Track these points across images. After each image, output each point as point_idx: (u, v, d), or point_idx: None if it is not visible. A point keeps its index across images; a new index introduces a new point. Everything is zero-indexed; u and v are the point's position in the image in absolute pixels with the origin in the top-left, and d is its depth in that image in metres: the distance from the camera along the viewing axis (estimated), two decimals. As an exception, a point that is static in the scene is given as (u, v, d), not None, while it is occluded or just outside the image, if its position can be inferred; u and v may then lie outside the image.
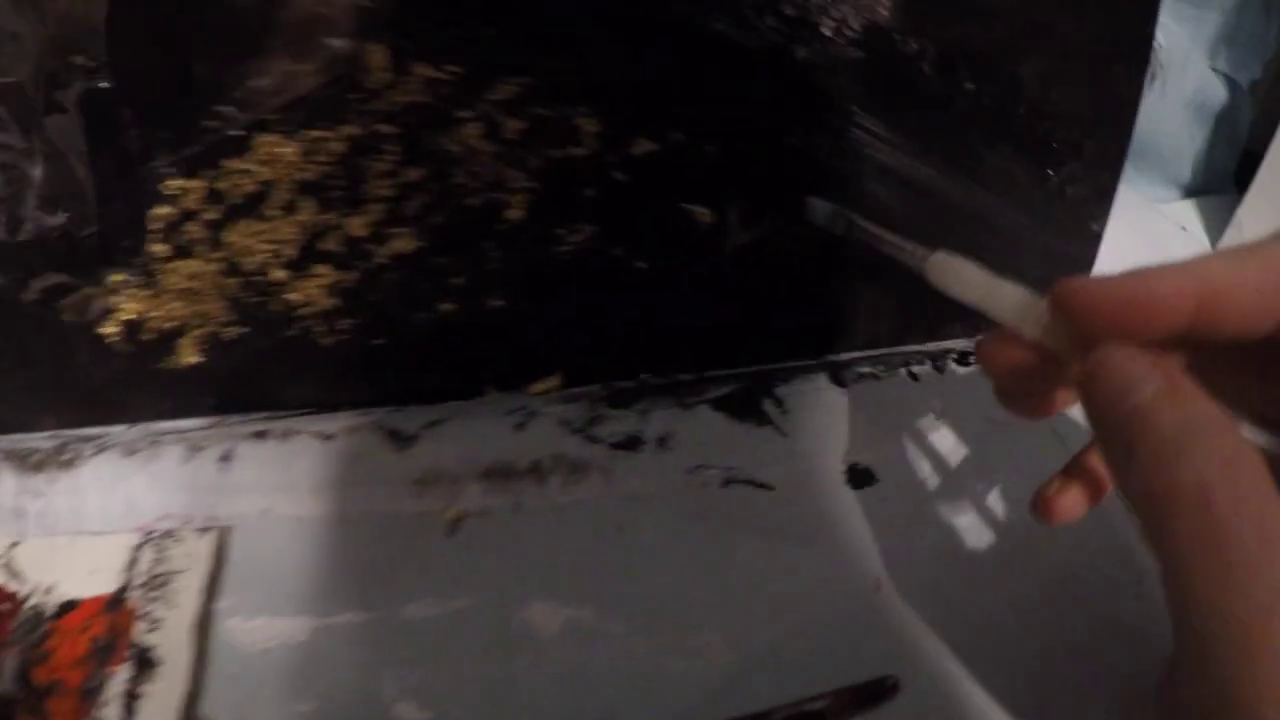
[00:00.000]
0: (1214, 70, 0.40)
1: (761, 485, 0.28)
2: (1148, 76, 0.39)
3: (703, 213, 0.28)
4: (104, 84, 0.25)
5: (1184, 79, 0.39)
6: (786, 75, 0.27)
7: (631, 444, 0.28)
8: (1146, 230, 0.39)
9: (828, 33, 0.27)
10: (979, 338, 0.20)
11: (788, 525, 0.27)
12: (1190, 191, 0.43)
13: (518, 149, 0.27)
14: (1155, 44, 0.39)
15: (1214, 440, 0.14)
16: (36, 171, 0.26)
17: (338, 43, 0.26)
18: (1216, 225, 0.40)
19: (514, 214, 0.28)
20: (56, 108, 0.25)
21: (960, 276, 0.20)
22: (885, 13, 0.28)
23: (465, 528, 0.28)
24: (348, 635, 0.27)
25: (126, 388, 0.31)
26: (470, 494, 0.28)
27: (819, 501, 0.28)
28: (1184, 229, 0.41)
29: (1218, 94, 0.40)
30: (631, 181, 0.27)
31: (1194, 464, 0.13)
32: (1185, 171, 0.42)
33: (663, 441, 0.28)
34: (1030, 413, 0.20)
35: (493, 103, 0.26)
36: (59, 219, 0.27)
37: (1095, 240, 0.35)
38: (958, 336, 0.34)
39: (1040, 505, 0.20)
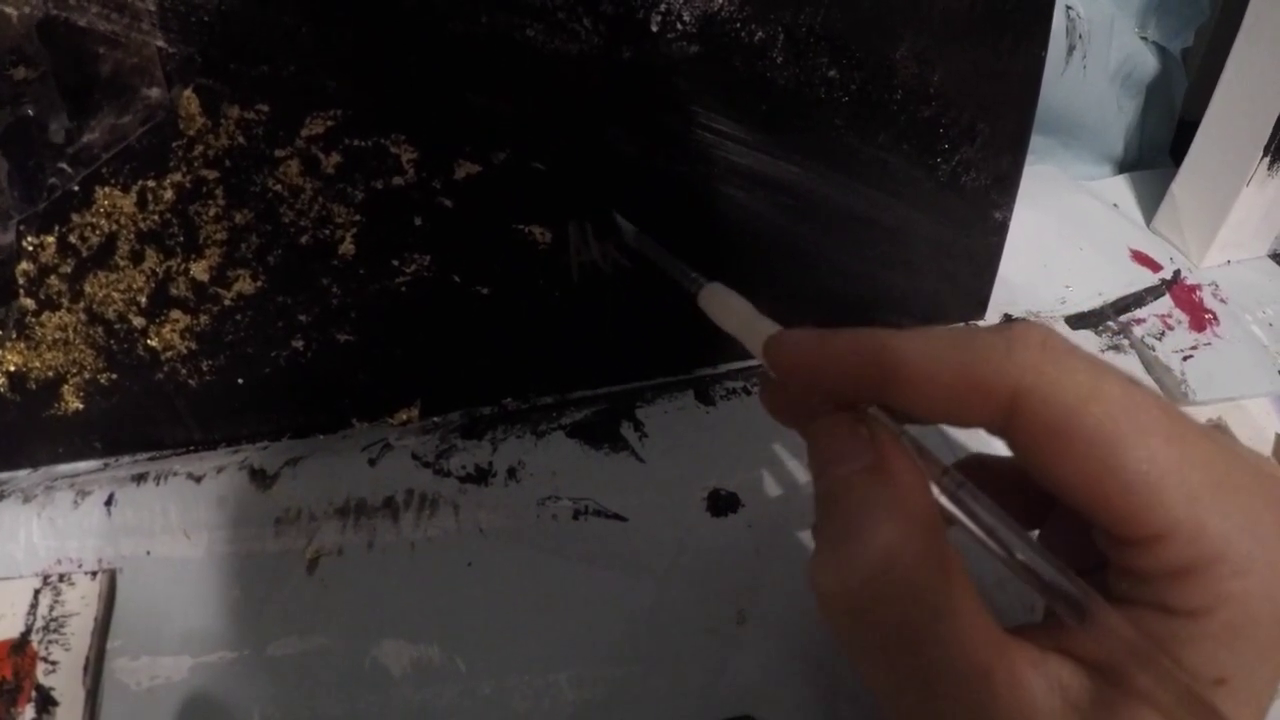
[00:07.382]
0: (1143, 39, 0.34)
1: (613, 516, 0.24)
2: (1065, 48, 0.33)
3: (540, 233, 0.25)
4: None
5: (1109, 49, 0.33)
6: (614, 80, 0.23)
7: (481, 476, 0.25)
8: (1071, 211, 0.33)
9: (655, 29, 0.23)
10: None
11: (642, 557, 0.24)
12: (1124, 166, 0.37)
13: (339, 183, 0.24)
14: (1074, 13, 0.33)
15: (894, 526, 0.12)
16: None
17: (153, 92, 0.23)
18: (1150, 200, 0.34)
19: (346, 249, 0.25)
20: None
21: (724, 310, 0.18)
22: None
23: (323, 566, 0.25)
24: (220, 673, 0.25)
25: (22, 435, 0.29)
26: (327, 531, 0.26)
27: (676, 531, 0.24)
28: (1115, 206, 0.35)
29: (1148, 64, 0.34)
30: (459, 206, 0.24)
31: (873, 543, 0.12)
32: (1117, 146, 0.36)
33: (512, 472, 0.25)
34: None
35: (307, 139, 0.23)
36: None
37: (999, 230, 0.30)
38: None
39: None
